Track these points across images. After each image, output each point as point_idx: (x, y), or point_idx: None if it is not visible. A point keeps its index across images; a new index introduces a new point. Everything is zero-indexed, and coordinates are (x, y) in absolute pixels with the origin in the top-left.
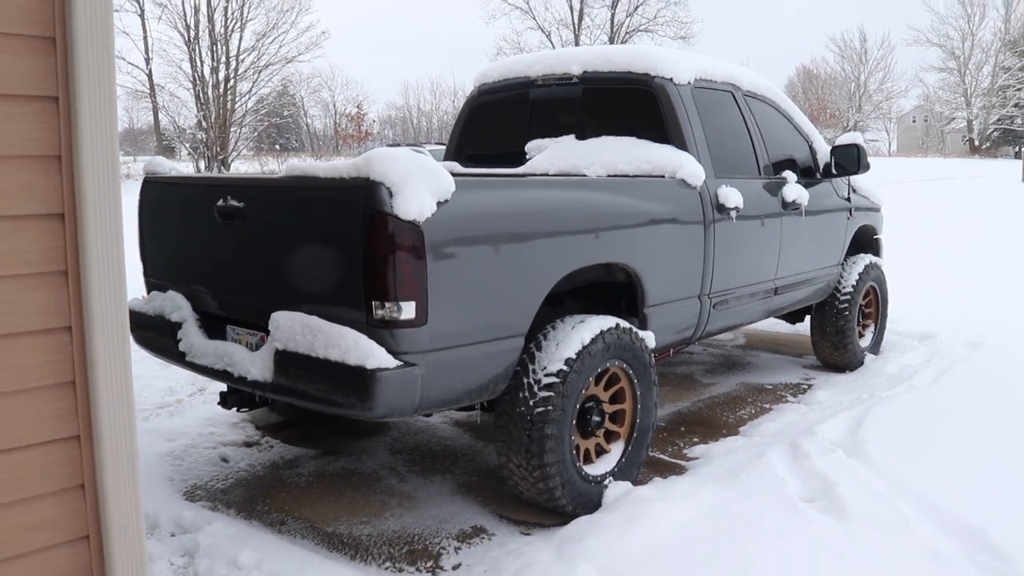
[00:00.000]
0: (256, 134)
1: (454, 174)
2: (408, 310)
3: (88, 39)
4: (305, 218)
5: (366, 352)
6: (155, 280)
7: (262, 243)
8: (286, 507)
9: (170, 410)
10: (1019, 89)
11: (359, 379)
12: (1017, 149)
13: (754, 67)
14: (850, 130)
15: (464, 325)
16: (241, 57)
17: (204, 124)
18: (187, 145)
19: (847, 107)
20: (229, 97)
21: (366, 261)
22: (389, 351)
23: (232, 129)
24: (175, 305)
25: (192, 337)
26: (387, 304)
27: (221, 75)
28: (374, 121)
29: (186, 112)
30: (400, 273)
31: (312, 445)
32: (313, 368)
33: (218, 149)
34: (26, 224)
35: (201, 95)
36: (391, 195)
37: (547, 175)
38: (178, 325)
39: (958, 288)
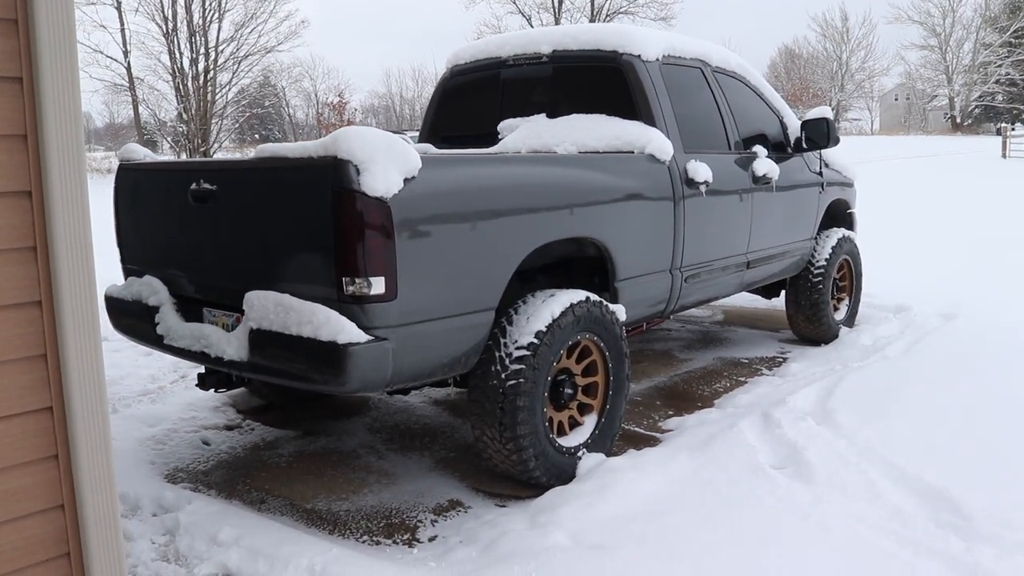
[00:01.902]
0: (238, 125)
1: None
2: (378, 285)
3: (49, 20)
4: (276, 198)
5: (337, 328)
6: (132, 266)
7: (235, 225)
8: (266, 486)
9: (152, 397)
10: (1000, 66)
11: (331, 354)
12: (998, 126)
13: (736, 47)
14: (833, 109)
15: (434, 299)
16: (220, 48)
17: (185, 116)
18: (168, 138)
19: (829, 86)
20: (209, 89)
21: (335, 238)
22: (360, 326)
23: (213, 120)
24: (152, 289)
25: (169, 320)
26: (357, 280)
27: (200, 66)
28: (356, 110)
29: (166, 105)
30: (369, 249)
31: (293, 427)
32: (287, 345)
33: (199, 141)
34: None
35: (181, 87)
36: (358, 172)
37: (518, 153)
38: (155, 309)
39: (935, 262)
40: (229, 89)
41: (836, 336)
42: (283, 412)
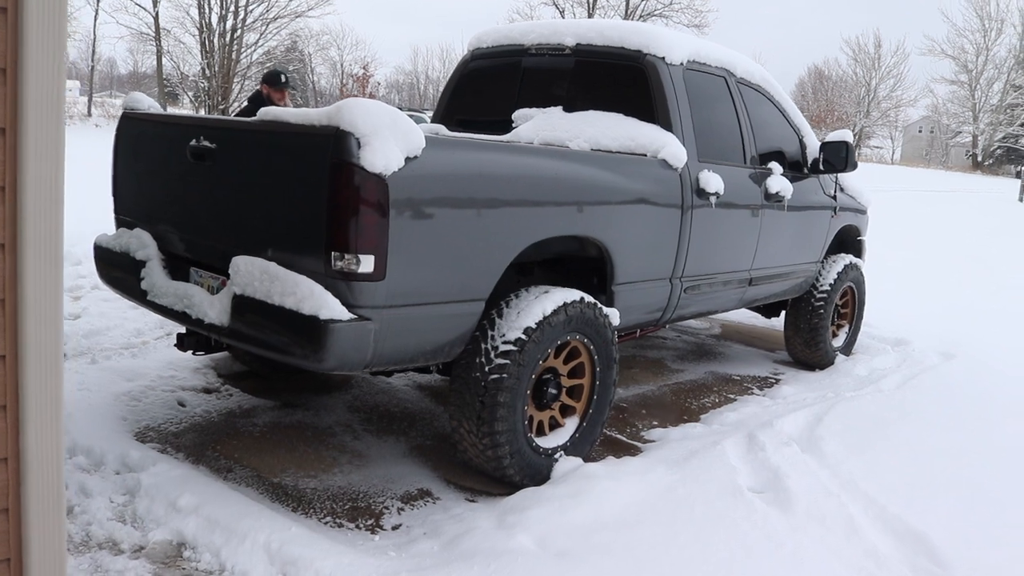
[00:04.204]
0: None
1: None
2: (367, 263)
3: None
4: (274, 163)
5: (320, 302)
6: (125, 217)
7: (231, 186)
8: (236, 455)
9: (134, 351)
10: None
11: (311, 329)
12: (1019, 169)
13: (766, 62)
14: (856, 135)
15: (423, 284)
16: (250, 7)
17: (207, 72)
18: (189, 93)
19: (855, 111)
20: (235, 47)
21: (329, 211)
22: (344, 303)
23: (236, 80)
24: (141, 243)
25: (155, 276)
26: (346, 256)
27: (228, 24)
28: (379, 84)
29: (190, 59)
30: (362, 225)
31: (271, 396)
32: (268, 315)
33: (219, 99)
34: None
35: (207, 43)
36: (359, 146)
37: (528, 144)
38: (142, 263)
39: (939, 299)
40: (255, 50)
41: (832, 363)
42: (263, 381)
